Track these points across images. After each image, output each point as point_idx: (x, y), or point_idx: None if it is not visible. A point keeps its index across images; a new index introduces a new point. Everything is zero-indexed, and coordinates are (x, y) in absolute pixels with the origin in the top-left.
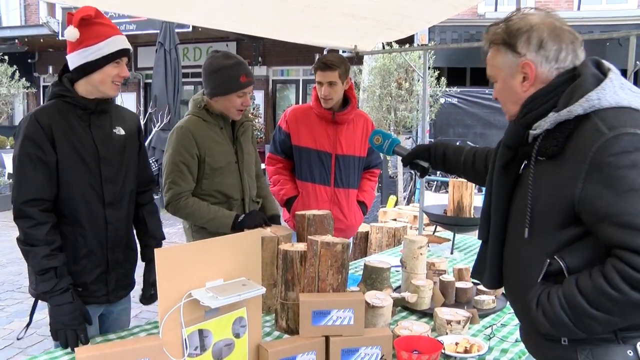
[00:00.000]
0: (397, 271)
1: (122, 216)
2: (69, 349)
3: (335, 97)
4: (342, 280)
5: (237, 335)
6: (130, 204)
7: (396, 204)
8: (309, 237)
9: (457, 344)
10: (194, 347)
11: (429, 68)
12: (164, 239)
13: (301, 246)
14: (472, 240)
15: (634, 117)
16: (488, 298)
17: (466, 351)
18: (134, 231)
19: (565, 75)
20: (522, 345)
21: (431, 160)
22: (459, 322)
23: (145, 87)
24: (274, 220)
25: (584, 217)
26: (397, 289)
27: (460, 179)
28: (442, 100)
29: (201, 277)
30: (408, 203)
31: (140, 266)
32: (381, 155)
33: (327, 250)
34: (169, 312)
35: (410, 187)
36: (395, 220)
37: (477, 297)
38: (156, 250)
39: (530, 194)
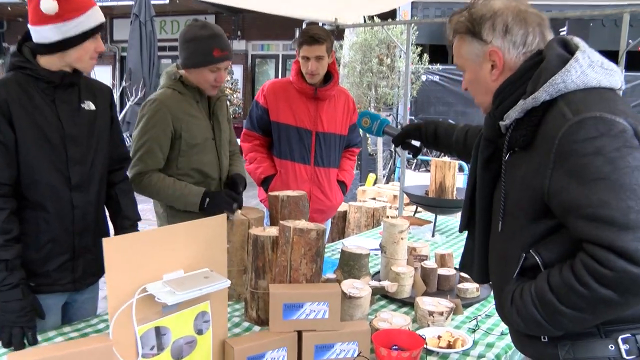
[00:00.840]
0: (375, 255)
1: (92, 199)
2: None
3: (322, 72)
4: (316, 270)
5: (200, 332)
6: (102, 185)
7: (375, 182)
8: (280, 222)
9: (439, 337)
10: (150, 347)
11: (411, 44)
12: (140, 219)
13: (273, 231)
14: (454, 222)
15: (603, 98)
16: (472, 286)
17: (449, 346)
18: (107, 213)
19: (531, 60)
20: (508, 339)
21: (422, 139)
22: (441, 314)
23: (121, 60)
24: (234, 179)
25: (553, 209)
26: (376, 275)
27: (443, 159)
28: (423, 78)
29: (158, 268)
30: (387, 181)
31: None
32: (361, 132)
33: (301, 237)
34: (120, 309)
35: (390, 165)
36: (374, 199)
37: (460, 285)
38: (104, 241)
39: (503, 187)
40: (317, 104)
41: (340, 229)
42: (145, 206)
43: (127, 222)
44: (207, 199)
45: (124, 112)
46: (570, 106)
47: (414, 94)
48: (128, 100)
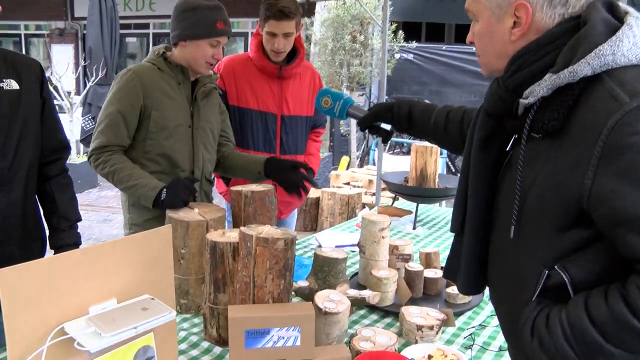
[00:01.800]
0: (352, 251)
1: (15, 199)
2: None
3: (289, 49)
4: (285, 286)
5: None
6: (30, 182)
7: (349, 165)
8: (241, 229)
9: (430, 357)
10: None
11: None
12: (80, 220)
13: (234, 235)
14: (435, 211)
15: None
16: None
17: None
18: (41, 213)
19: (567, 23)
20: (507, 356)
21: (394, 122)
22: (431, 328)
23: (83, 38)
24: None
25: (595, 217)
26: (354, 277)
27: (424, 144)
28: (397, 56)
29: (83, 300)
30: (362, 164)
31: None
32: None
33: (265, 248)
34: (29, 358)
35: (363, 147)
36: (348, 184)
37: (448, 290)
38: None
39: (519, 183)
40: (281, 84)
41: (313, 217)
42: (109, 192)
43: (65, 223)
44: (164, 192)
45: (84, 93)
46: (623, 86)
47: (388, 72)
48: (88, 81)
